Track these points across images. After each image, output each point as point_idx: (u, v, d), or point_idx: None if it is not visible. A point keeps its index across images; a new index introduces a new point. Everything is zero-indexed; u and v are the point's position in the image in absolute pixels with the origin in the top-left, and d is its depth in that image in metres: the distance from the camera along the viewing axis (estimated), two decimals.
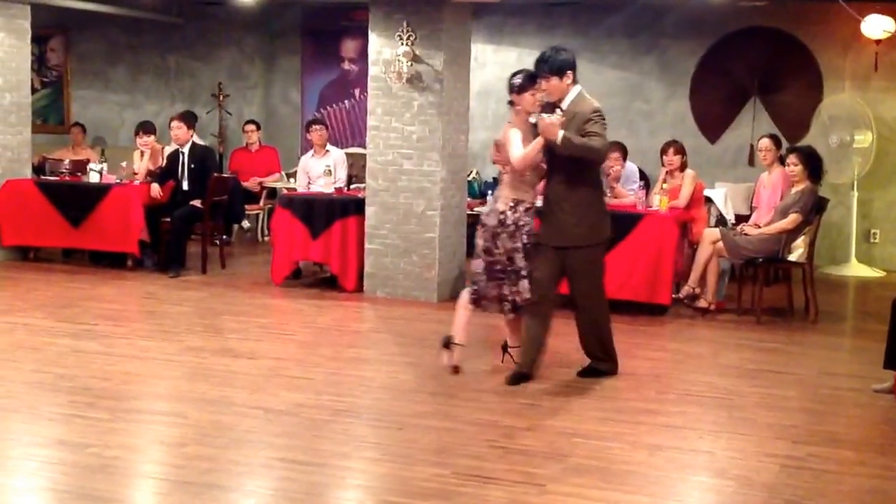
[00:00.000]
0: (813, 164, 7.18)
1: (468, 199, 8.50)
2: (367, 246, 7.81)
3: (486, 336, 5.78)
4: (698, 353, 6.34)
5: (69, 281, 8.24)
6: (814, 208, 7.13)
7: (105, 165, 9.13)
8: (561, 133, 5.10)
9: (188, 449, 4.29)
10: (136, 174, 9.06)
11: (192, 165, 8.74)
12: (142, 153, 9.21)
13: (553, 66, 5.26)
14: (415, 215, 7.67)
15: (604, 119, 5.24)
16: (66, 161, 9.72)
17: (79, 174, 9.24)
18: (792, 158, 7.23)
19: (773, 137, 7.95)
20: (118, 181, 8.89)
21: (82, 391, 5.07)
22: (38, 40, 11.54)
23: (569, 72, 5.28)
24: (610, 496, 3.83)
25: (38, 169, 9.84)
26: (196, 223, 8.68)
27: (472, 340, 6.21)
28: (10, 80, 9.07)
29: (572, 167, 5.25)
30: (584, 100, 5.31)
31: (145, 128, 9.30)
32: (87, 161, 9.49)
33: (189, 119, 8.99)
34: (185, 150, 8.79)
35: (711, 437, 4.60)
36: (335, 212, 7.91)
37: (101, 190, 8.73)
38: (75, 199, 8.78)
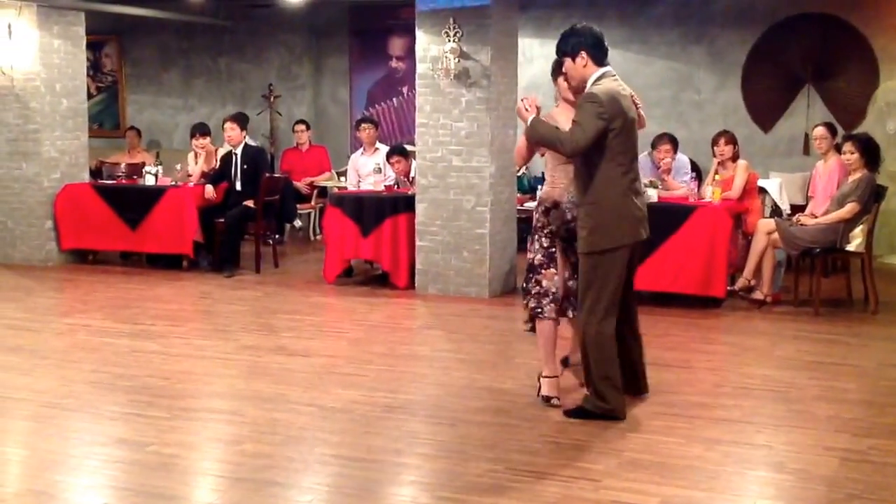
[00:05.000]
0: (870, 152, 7.04)
1: (518, 194, 8.48)
2: (417, 243, 7.83)
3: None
4: (754, 345, 6.25)
5: (127, 282, 8.40)
6: (872, 197, 6.98)
7: (160, 168, 9.28)
8: (531, 117, 4.65)
9: (245, 446, 4.35)
10: (190, 176, 9.20)
11: (245, 166, 8.85)
12: (196, 155, 9.36)
13: (565, 46, 4.69)
14: (465, 211, 7.67)
15: (596, 105, 4.46)
16: (123, 165, 9.87)
17: (135, 177, 9.40)
18: (848, 146, 7.09)
19: (829, 125, 7.80)
20: (173, 183, 9.02)
21: (141, 390, 5.17)
22: (93, 46, 11.78)
23: (582, 52, 4.60)
24: (666, 491, 3.79)
25: (96, 173, 10.04)
26: (249, 223, 8.79)
27: (522, 337, 6.21)
28: (66, 85, 9.27)
29: (579, 162, 4.62)
30: (598, 84, 4.57)
31: (201, 130, 9.43)
32: (143, 164, 9.65)
33: (242, 120, 9.11)
34: (238, 151, 8.90)
35: (769, 431, 4.53)
36: (385, 209, 7.94)
37: (157, 192, 8.87)
38: (132, 202, 8.94)
